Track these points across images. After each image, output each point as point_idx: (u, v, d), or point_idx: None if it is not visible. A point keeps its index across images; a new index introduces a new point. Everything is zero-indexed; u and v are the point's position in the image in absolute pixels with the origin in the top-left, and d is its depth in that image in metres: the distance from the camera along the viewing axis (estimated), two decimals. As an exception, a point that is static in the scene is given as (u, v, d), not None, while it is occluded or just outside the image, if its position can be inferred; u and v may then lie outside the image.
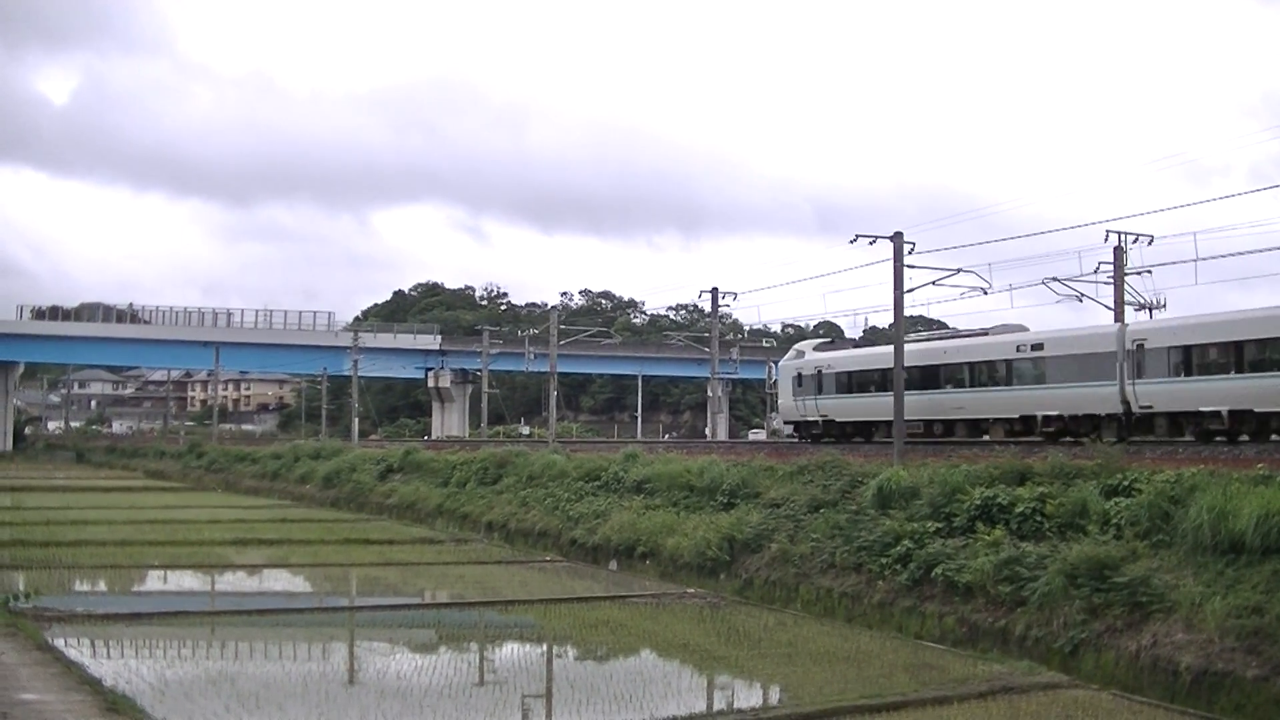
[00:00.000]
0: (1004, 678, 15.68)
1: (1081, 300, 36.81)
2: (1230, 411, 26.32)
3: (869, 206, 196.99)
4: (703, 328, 74.58)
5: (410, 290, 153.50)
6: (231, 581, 27.18)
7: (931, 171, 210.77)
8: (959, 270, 31.56)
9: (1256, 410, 25.78)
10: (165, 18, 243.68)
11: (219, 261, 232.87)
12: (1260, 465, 18.93)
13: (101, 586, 25.54)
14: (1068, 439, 29.76)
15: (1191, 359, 27.49)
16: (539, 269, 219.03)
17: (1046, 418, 31.25)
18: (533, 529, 33.33)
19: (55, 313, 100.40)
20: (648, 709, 14.44)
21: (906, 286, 29.78)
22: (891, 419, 37.73)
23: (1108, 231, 35.26)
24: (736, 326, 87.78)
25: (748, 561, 24.17)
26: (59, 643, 17.04)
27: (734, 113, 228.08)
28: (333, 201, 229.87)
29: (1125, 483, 19.32)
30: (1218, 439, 26.51)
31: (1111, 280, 36.10)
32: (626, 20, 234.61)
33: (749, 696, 14.85)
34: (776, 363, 49.86)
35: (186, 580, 26.88)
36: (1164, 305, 36.09)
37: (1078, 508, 19.10)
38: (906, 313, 30.63)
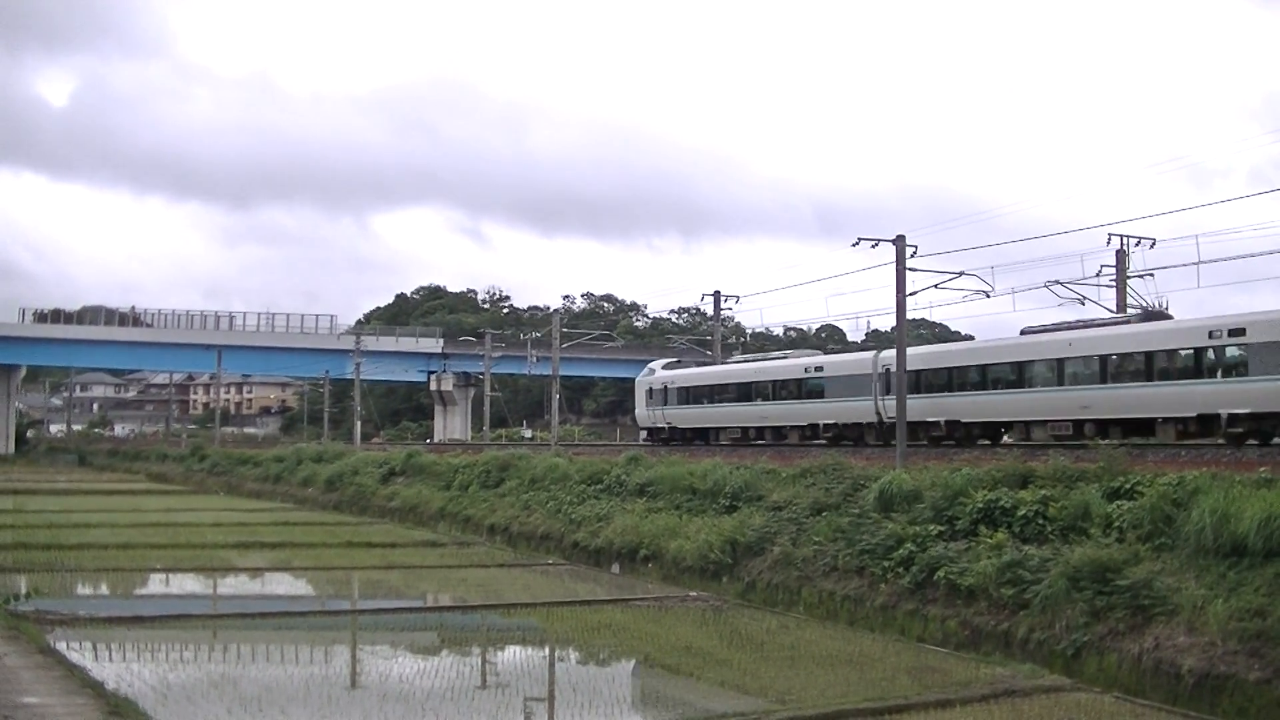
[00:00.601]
0: (1006, 681, 15.67)
1: (1084, 303, 36.74)
2: (946, 421, 33.93)
3: (870, 208, 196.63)
4: (705, 331, 74.58)
5: (412, 293, 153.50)
6: (234, 585, 27.20)
7: (933, 173, 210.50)
8: (961, 274, 31.50)
9: (963, 420, 33.75)
10: (165, 19, 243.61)
11: (220, 264, 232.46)
12: (1263, 468, 18.91)
13: (104, 589, 25.58)
14: (845, 442, 37.31)
15: (920, 381, 34.13)
16: (540, 272, 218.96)
17: (826, 425, 38.72)
18: (535, 532, 33.34)
19: (57, 316, 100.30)
20: (650, 712, 14.44)
21: (909, 290, 29.76)
22: (723, 426, 45.43)
23: (1110, 235, 35.26)
24: (739, 330, 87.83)
25: (750, 564, 24.17)
26: (61, 646, 17.08)
27: (734, 113, 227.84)
28: (333, 204, 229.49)
29: (1128, 486, 19.32)
30: (946, 442, 33.47)
31: (1114, 283, 36.09)
32: (626, 21, 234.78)
33: (751, 700, 14.83)
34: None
35: (189, 583, 26.91)
36: (1166, 308, 36.02)
37: (1080, 511, 19.09)
38: (909, 316, 30.61)
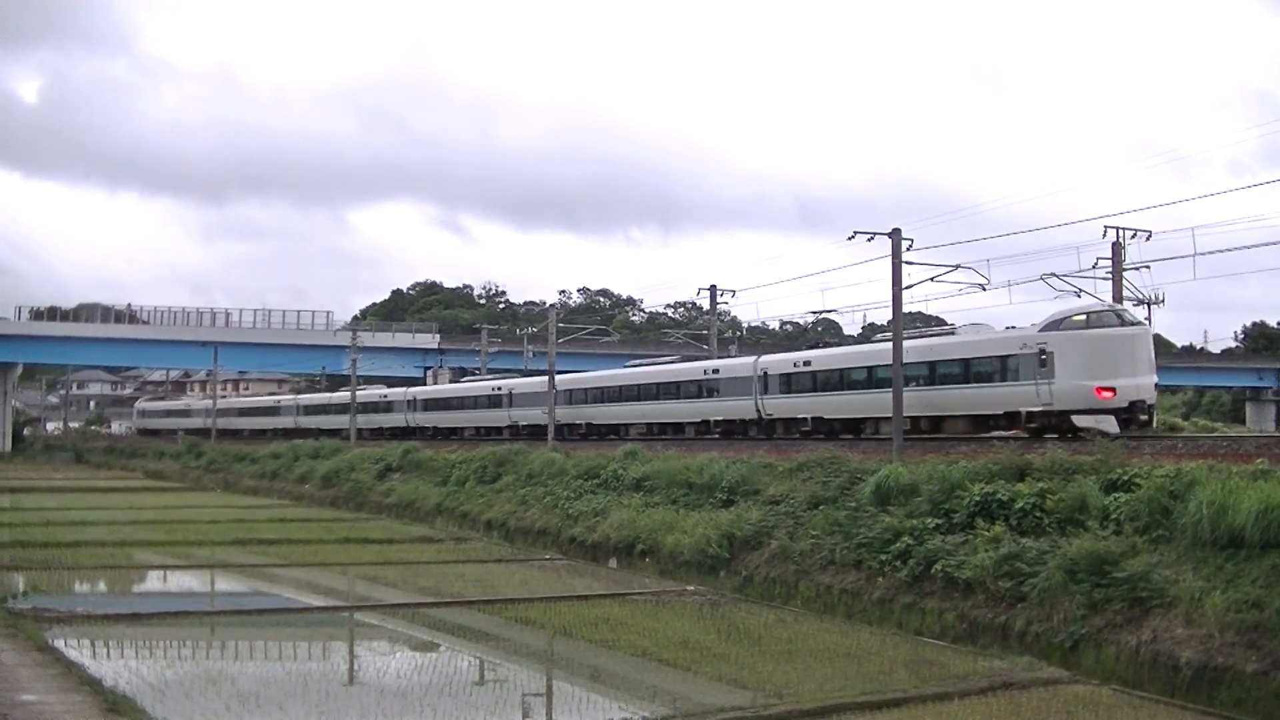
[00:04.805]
0: (1004, 674, 15.69)
1: (1080, 296, 36.71)
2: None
3: (849, 199, 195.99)
4: (701, 325, 74.52)
5: (408, 289, 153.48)
6: (231, 581, 27.17)
7: (911, 165, 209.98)
8: (957, 266, 31.48)
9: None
10: (124, 12, 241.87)
11: (198, 260, 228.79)
12: (1260, 460, 18.93)
13: (101, 587, 25.55)
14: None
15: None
16: (527, 266, 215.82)
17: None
18: (532, 527, 33.33)
19: (53, 313, 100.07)
20: (647, 707, 14.43)
21: (904, 283, 29.72)
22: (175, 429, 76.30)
23: (1105, 227, 35.24)
24: (735, 324, 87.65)
25: (747, 559, 24.17)
26: (59, 643, 17.05)
27: (710, 104, 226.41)
28: (307, 199, 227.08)
29: (1125, 478, 19.33)
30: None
31: (1110, 275, 36.07)
32: (593, 9, 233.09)
33: (749, 694, 14.83)
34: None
35: (186, 580, 26.89)
36: (1162, 300, 36.09)
37: (1077, 503, 19.10)
38: (905, 309, 30.58)
